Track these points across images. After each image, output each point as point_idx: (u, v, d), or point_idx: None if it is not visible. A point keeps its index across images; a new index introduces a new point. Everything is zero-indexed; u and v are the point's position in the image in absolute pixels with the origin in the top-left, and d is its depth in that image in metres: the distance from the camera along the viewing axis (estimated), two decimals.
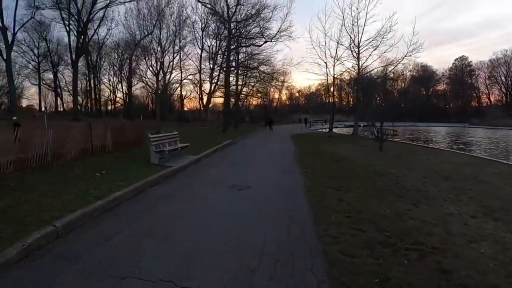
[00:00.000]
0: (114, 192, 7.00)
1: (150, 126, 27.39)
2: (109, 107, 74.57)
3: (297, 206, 6.55)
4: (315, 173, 10.20)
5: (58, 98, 68.44)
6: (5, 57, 39.23)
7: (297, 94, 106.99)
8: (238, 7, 36.34)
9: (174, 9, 61.43)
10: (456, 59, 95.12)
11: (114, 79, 70.67)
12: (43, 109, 66.43)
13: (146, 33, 48.60)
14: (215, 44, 54.14)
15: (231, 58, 39.79)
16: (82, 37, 45.07)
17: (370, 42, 31.47)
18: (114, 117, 52.65)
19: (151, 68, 52.51)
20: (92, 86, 63.58)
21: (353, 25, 32.24)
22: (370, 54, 32.63)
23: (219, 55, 52.36)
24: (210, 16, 46.03)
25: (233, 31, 37.08)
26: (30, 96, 72.66)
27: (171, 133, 14.18)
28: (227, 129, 34.70)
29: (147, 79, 56.86)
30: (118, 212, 6.17)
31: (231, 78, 41.57)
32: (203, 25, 53.72)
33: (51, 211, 5.69)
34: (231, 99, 43.11)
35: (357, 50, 32.15)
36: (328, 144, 21.58)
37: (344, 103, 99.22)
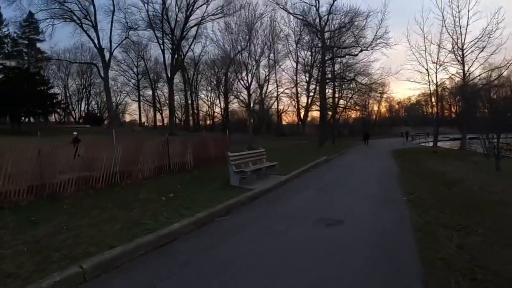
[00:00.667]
0: (172, 224, 5.97)
1: (244, 141, 28.79)
2: (208, 122, 79.25)
3: (401, 255, 4.74)
4: (423, 202, 8.17)
5: (158, 113, 75.44)
6: (102, 75, 44.41)
7: (396, 106, 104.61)
8: (330, 16, 36.79)
9: (265, 23, 64.05)
10: None
11: (212, 94, 74.22)
12: (144, 124, 73.05)
13: (238, 48, 51.36)
14: (310, 57, 54.71)
15: (327, 70, 39.69)
16: (176, 54, 48.22)
17: (475, 43, 29.50)
18: (211, 132, 55.07)
19: (242, 82, 54.08)
20: (190, 101, 67.60)
21: (454, 25, 30.59)
22: (476, 57, 29.86)
23: (314, 67, 53.24)
24: (303, 28, 47.25)
25: (327, 41, 37.42)
26: (132, 111, 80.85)
27: (257, 151, 13.13)
28: (323, 143, 34.17)
29: (239, 94, 59.29)
30: (166, 253, 5.06)
31: (327, 91, 41.53)
32: (296, 38, 55.11)
33: (87, 246, 4.90)
34: (328, 112, 42.79)
35: (461, 53, 30.43)
36: (434, 161, 19.25)
37: (447, 113, 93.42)
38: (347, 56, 39.22)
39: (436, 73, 33.91)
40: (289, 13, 40.05)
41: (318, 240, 5.51)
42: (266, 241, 5.49)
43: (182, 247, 5.23)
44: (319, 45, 39.94)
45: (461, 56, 30.32)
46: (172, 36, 47.38)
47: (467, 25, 29.73)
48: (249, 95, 53.35)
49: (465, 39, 30.41)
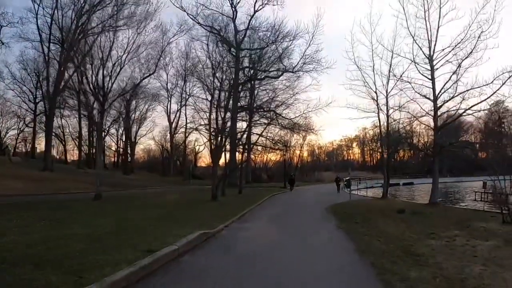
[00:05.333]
0: None
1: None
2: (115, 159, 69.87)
3: None
4: None
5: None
6: None
7: (317, 151, 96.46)
8: (250, 32, 32.68)
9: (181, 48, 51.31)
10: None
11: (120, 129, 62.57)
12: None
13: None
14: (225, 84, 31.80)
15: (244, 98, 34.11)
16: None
17: (455, 48, 19.94)
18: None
19: None
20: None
21: (420, 27, 20.42)
22: (457, 70, 19.93)
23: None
24: (224, 57, 31.14)
25: (243, 59, 33.15)
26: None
27: None
28: (216, 197, 21.02)
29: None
30: None
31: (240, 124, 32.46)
32: (214, 69, 31.46)
33: None
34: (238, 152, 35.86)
35: (429, 66, 21.07)
36: (423, 241, 9.22)
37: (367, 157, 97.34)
38: (266, 85, 35.18)
39: (387, 96, 25.44)
40: (200, 24, 32.49)
41: None
42: None
43: None
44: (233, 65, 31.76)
45: (430, 69, 21.12)
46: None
47: (438, 27, 20.52)
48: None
49: (435, 46, 20.74)
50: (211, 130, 25.25)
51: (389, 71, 24.62)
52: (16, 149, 59.49)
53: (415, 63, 21.51)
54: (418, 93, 21.50)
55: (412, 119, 24.71)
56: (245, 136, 33.74)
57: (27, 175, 28.57)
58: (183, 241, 7.87)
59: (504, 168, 15.86)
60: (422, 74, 21.31)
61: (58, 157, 63.43)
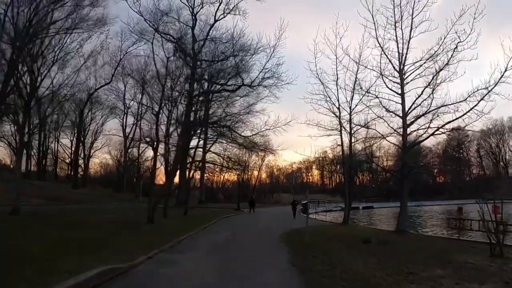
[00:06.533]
0: None
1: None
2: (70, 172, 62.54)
3: None
4: None
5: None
6: None
7: (276, 173, 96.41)
8: (208, 42, 31.35)
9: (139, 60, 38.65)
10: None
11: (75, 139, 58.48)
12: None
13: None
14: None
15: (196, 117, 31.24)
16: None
17: (427, 61, 18.31)
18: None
19: None
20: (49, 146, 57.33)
21: (390, 38, 18.52)
22: (434, 79, 18.06)
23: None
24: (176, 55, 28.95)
25: (199, 71, 29.64)
26: None
27: None
28: (152, 219, 18.11)
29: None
30: None
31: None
32: (170, 80, 29.06)
33: None
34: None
35: (399, 80, 19.14)
36: (402, 286, 6.94)
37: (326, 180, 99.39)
38: (222, 100, 32.71)
39: (350, 113, 24.19)
40: (158, 31, 28.80)
41: None
42: None
43: None
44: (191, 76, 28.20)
45: (400, 84, 19.26)
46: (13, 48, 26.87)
47: (410, 38, 18.74)
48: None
49: (405, 59, 19.02)
50: (154, 145, 22.50)
51: (354, 85, 22.56)
52: None
53: (383, 76, 19.52)
54: (386, 109, 19.41)
55: (377, 138, 23.02)
56: (195, 151, 33.34)
57: None
58: (70, 282, 5.61)
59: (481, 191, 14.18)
60: (390, 89, 19.30)
61: (11, 166, 59.29)
